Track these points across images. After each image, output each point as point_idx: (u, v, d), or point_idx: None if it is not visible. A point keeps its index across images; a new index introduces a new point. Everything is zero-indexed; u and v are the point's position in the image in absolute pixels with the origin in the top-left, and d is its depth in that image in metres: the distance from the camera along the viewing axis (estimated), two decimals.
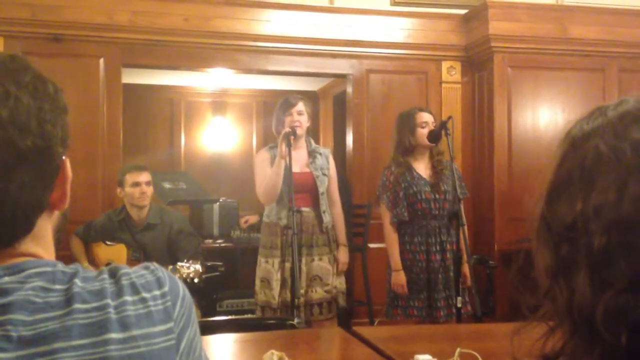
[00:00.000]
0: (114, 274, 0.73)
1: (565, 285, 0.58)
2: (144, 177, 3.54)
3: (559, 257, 0.59)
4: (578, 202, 0.57)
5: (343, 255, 3.44)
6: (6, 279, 0.67)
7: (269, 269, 3.29)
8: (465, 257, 3.08)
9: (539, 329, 0.62)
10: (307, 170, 3.36)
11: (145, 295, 0.73)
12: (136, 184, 3.51)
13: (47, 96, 0.72)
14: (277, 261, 3.28)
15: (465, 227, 3.08)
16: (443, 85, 5.09)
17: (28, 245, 0.72)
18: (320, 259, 3.32)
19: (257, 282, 3.34)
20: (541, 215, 0.62)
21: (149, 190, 3.56)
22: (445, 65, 5.09)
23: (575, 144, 0.61)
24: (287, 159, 3.12)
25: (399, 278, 3.20)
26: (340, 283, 3.41)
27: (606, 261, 0.54)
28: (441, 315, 3.16)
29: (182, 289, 0.78)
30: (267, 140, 6.59)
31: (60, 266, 0.71)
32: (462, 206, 3.13)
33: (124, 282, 0.73)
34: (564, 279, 0.58)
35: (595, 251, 0.55)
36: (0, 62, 0.71)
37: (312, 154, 3.41)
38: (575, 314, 0.56)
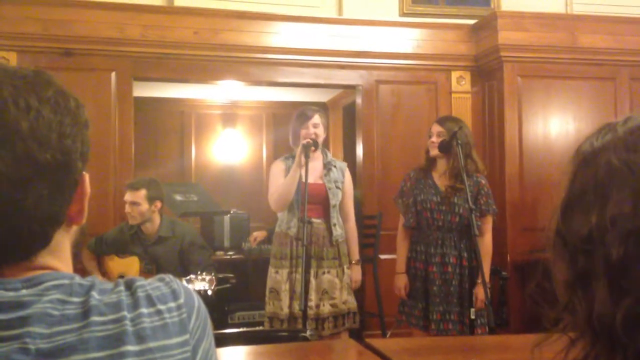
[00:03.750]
0: (130, 286, 0.74)
1: (584, 296, 0.59)
2: (129, 196, 3.51)
3: (576, 269, 0.60)
4: (593, 215, 0.59)
5: (355, 273, 3.41)
6: (24, 291, 0.67)
7: (278, 279, 3.29)
8: (482, 274, 2.95)
9: (559, 341, 0.63)
10: (321, 182, 3.36)
11: (161, 307, 0.73)
12: (125, 202, 3.54)
13: (68, 111, 0.72)
14: (285, 272, 3.27)
15: (480, 243, 3.00)
16: (453, 95, 5.09)
17: (45, 258, 0.72)
18: (328, 272, 3.30)
19: (267, 292, 3.34)
20: (556, 230, 0.63)
21: (135, 211, 3.50)
22: (454, 75, 5.09)
23: (586, 160, 0.63)
24: (304, 169, 3.12)
25: (399, 280, 3.26)
26: (352, 303, 3.37)
27: (624, 270, 0.56)
28: (433, 329, 3.13)
29: (198, 300, 0.78)
30: (277, 151, 6.61)
31: (78, 279, 0.71)
32: (478, 221, 3.09)
33: (140, 294, 0.73)
34: (582, 290, 0.59)
35: (613, 261, 0.56)
36: (23, 77, 0.71)
37: (327, 166, 3.41)
38: (596, 324, 0.57)
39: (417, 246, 3.25)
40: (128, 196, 3.52)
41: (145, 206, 3.50)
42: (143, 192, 3.50)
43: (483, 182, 3.24)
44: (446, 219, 3.18)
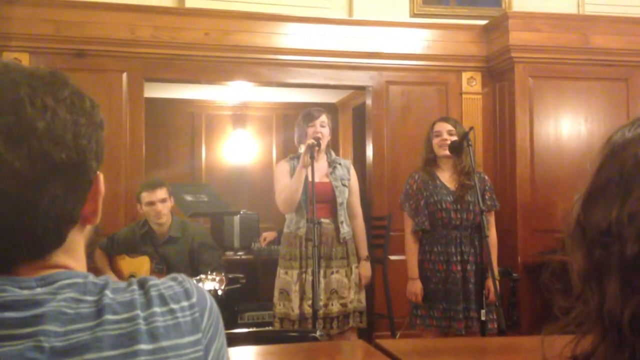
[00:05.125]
0: (143, 285, 0.74)
1: (597, 289, 0.59)
2: (158, 194, 3.47)
3: (592, 261, 0.60)
4: (614, 209, 0.58)
5: (365, 269, 3.41)
6: (39, 290, 0.68)
7: (287, 280, 3.30)
8: (491, 270, 3.04)
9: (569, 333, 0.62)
10: (327, 180, 3.37)
11: (174, 306, 0.73)
12: (151, 204, 3.47)
13: (83, 111, 0.73)
14: (295, 272, 3.28)
15: (488, 239, 3.04)
16: (463, 96, 5.08)
17: (60, 257, 0.72)
18: (337, 272, 3.31)
19: (276, 293, 3.35)
20: (577, 219, 0.62)
21: (165, 208, 3.50)
22: (465, 76, 5.07)
23: (615, 151, 0.61)
24: (309, 169, 3.13)
25: (414, 286, 3.22)
26: (359, 300, 3.37)
27: (637, 268, 0.55)
28: (461, 328, 3.13)
29: (210, 300, 0.78)
30: (287, 152, 6.61)
31: (91, 277, 0.72)
32: (486, 217, 3.10)
33: (153, 293, 0.73)
34: (596, 283, 0.59)
35: (627, 258, 0.56)
36: (40, 77, 0.72)
37: (332, 164, 3.42)
38: (606, 318, 0.57)
39: (433, 247, 3.22)
40: (156, 195, 3.46)
41: (171, 202, 3.54)
42: (165, 189, 3.53)
43: (486, 177, 3.34)
44: (463, 218, 3.19)
